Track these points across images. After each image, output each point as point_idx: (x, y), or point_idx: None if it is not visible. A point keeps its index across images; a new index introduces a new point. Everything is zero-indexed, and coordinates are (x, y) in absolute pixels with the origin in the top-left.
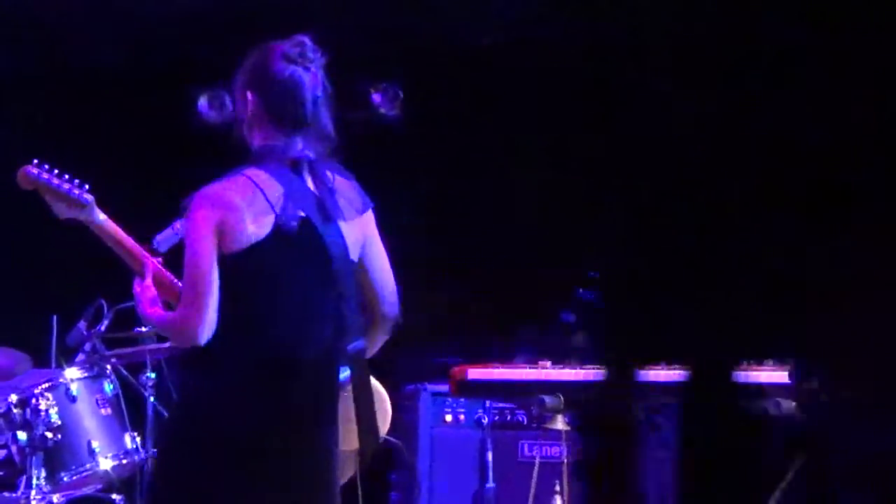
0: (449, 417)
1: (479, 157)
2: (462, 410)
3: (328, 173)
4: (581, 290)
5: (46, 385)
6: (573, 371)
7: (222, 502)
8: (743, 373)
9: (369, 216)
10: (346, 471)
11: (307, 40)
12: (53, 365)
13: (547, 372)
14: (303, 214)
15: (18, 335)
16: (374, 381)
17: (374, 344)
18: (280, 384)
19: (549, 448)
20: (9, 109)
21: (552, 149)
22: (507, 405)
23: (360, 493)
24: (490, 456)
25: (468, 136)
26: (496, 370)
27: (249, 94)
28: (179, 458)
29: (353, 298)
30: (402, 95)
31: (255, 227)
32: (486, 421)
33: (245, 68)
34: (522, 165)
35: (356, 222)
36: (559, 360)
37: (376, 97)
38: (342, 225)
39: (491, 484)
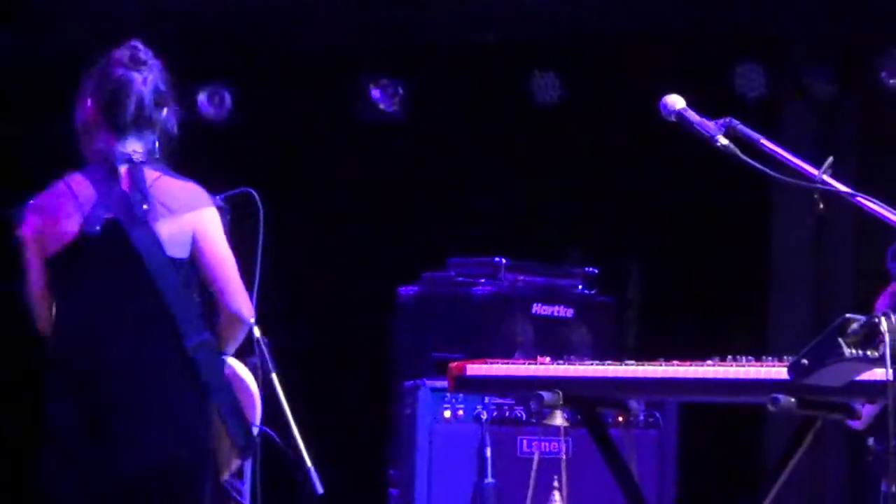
0: (448, 413)
1: (477, 155)
2: (461, 406)
3: (147, 173)
4: (581, 287)
5: None
6: (572, 367)
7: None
8: (744, 368)
9: (201, 215)
10: (227, 464)
11: (139, 44)
12: None
13: (546, 368)
14: (109, 216)
15: None
16: (238, 370)
17: (226, 340)
18: (83, 386)
19: (547, 444)
20: None
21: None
22: (506, 401)
23: (252, 485)
24: (489, 451)
25: (467, 132)
26: (495, 366)
27: (89, 101)
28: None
29: (180, 295)
30: (402, 92)
31: (64, 231)
32: (484, 417)
33: (86, 76)
34: (521, 164)
35: (178, 221)
36: (558, 356)
37: (376, 93)
38: (158, 224)
39: (490, 479)
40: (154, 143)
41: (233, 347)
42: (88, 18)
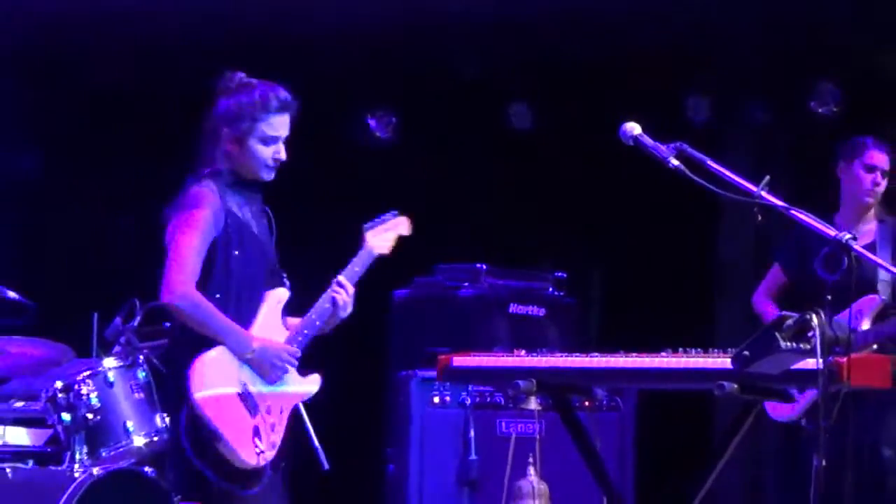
0: (437, 399)
1: (460, 175)
2: (448, 393)
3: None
4: (551, 289)
5: (87, 373)
6: (544, 359)
7: None
8: (693, 359)
9: None
10: None
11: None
12: (94, 355)
13: (521, 359)
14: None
15: (64, 330)
16: None
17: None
18: None
19: (523, 425)
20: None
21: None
22: (487, 388)
23: None
24: (472, 432)
25: (452, 155)
26: (477, 358)
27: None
28: None
29: None
30: (395, 120)
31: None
32: (468, 402)
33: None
34: (499, 183)
35: None
36: (532, 349)
37: (372, 122)
38: None
39: (473, 456)
40: None
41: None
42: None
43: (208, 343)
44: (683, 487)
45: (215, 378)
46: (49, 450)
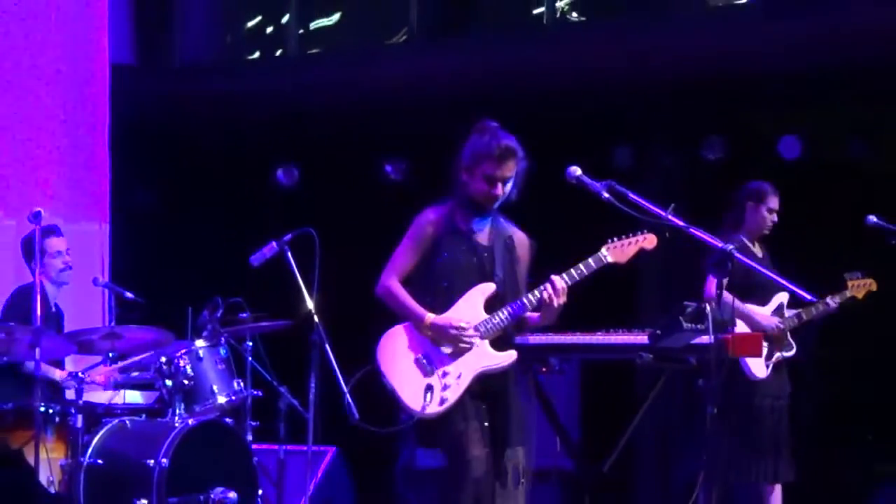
0: None
1: None
2: None
3: None
4: None
5: (184, 351)
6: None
7: None
8: (620, 337)
9: None
10: None
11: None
12: (188, 338)
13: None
14: None
15: (167, 320)
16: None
17: None
18: None
19: None
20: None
21: None
22: None
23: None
24: None
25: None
26: None
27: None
28: None
29: None
30: (405, 167)
31: None
32: None
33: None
34: None
35: None
36: None
37: (389, 167)
38: None
39: None
40: None
41: None
42: None
43: (401, 321)
44: (614, 431)
45: (395, 346)
46: (156, 406)
